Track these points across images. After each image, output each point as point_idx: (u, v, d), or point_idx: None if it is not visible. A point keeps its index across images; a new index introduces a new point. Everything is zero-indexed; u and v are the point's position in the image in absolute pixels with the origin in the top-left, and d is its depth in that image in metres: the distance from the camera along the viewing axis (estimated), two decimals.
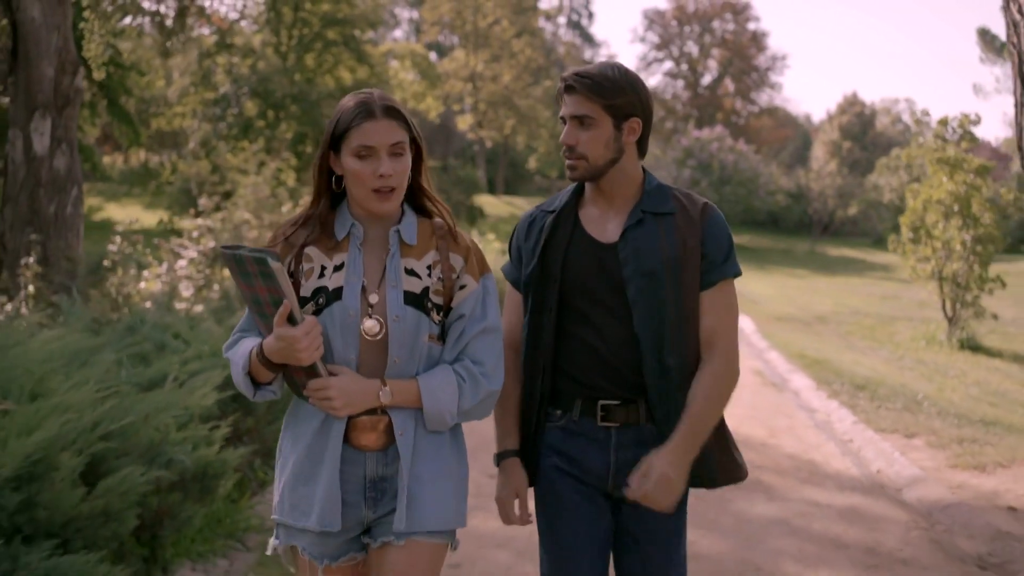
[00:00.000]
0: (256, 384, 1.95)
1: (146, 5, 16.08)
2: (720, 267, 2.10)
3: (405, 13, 54.61)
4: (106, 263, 10.66)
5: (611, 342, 2.09)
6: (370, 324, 1.92)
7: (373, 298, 1.93)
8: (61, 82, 11.15)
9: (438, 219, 2.04)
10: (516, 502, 2.15)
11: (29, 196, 11.14)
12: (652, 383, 2.06)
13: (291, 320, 1.82)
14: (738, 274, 2.12)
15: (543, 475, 2.16)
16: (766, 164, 33.74)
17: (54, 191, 11.32)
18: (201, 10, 17.40)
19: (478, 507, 4.46)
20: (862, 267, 26.71)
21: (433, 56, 43.68)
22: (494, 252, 17.15)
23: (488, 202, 36.15)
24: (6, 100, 14.78)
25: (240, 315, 6.92)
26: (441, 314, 1.98)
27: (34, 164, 11.13)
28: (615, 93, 2.07)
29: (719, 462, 2.13)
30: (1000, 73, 21.46)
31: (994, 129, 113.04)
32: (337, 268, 1.95)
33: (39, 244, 10.29)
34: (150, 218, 25.00)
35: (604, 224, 2.15)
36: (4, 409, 3.23)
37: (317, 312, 1.93)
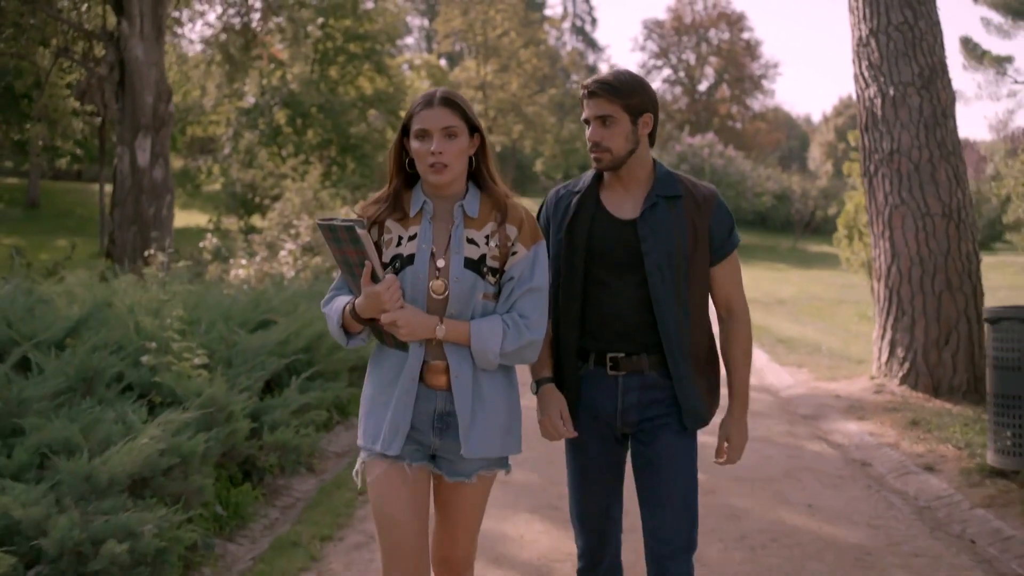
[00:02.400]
0: (348, 334, 2.28)
1: (216, 37, 18.95)
2: (726, 243, 2.46)
3: (416, 21, 57.26)
4: (206, 255, 13.39)
5: (625, 304, 2.40)
6: (437, 284, 2.21)
7: (440, 263, 2.22)
8: (158, 108, 14.22)
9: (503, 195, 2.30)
10: (560, 419, 2.43)
11: (134, 201, 14.17)
12: (667, 336, 2.37)
13: (374, 278, 2.13)
14: (739, 242, 2.48)
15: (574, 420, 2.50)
16: (754, 167, 36.38)
17: (153, 197, 14.36)
18: (264, 43, 20.11)
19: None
20: (837, 262, 29.33)
21: (442, 62, 45.69)
22: None
23: None
24: (97, 120, 17.96)
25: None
26: (497, 276, 2.25)
27: (138, 175, 14.17)
28: (630, 94, 2.35)
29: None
30: (982, 79, 24.19)
31: (981, 132, 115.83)
32: (411, 238, 2.24)
33: (155, 240, 13.22)
34: (187, 218, 27.48)
35: (622, 204, 2.44)
36: (272, 320, 6.19)
37: (395, 273, 2.22)
